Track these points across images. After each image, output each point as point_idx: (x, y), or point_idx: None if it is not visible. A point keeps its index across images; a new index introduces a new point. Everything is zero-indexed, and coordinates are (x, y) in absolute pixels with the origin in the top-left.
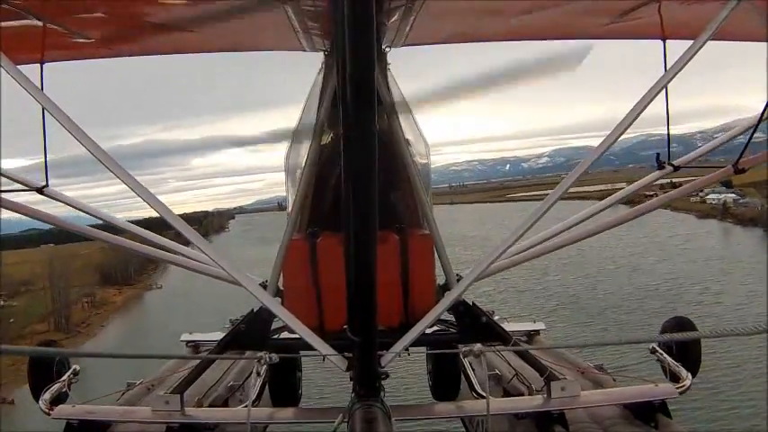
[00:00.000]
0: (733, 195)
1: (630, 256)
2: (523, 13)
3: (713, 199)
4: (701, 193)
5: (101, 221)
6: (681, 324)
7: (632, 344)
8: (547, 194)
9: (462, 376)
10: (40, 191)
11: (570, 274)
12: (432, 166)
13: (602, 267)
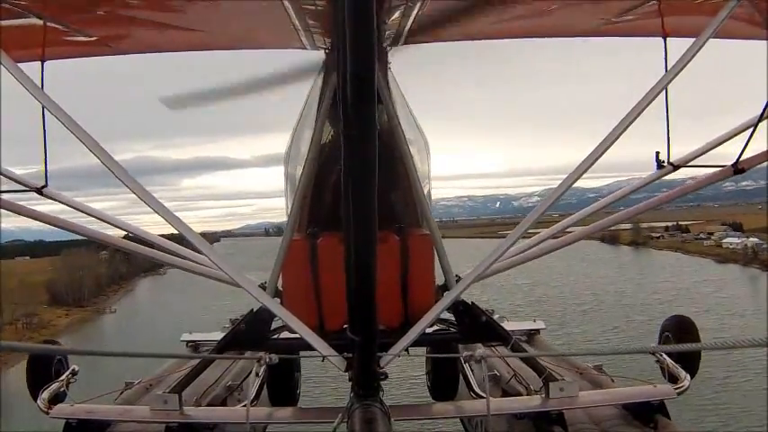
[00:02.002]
0: (755, 240)
1: (659, 304)
2: (525, 12)
3: (730, 243)
4: (713, 236)
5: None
6: (681, 323)
7: (633, 354)
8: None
9: (461, 376)
10: (39, 191)
11: (601, 326)
12: None
13: (629, 318)
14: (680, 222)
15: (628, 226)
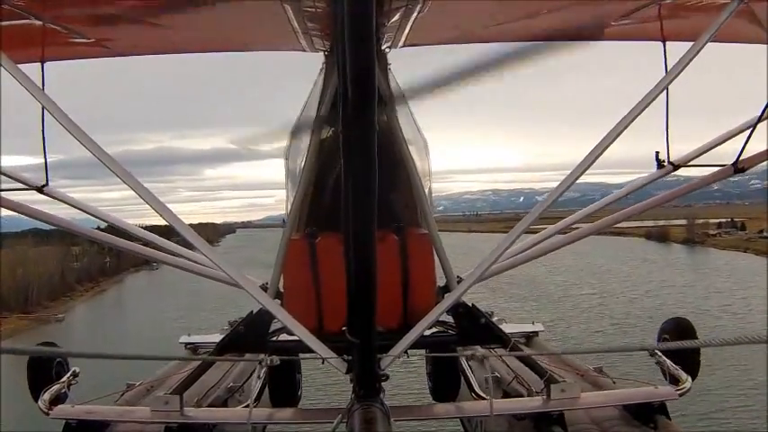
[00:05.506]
0: None
1: None
2: (524, 15)
3: None
4: None
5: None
6: (680, 326)
7: (632, 351)
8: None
9: (462, 378)
10: (39, 190)
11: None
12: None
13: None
14: (734, 219)
15: (681, 222)
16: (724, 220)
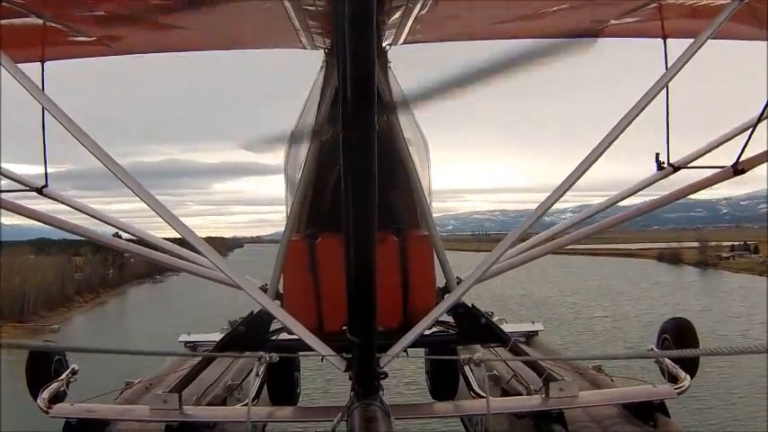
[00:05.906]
0: None
1: None
2: (525, 13)
3: None
4: None
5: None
6: (680, 326)
7: (634, 358)
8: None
9: (461, 376)
10: (39, 191)
11: None
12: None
13: None
14: (747, 242)
15: (693, 244)
16: (737, 243)
